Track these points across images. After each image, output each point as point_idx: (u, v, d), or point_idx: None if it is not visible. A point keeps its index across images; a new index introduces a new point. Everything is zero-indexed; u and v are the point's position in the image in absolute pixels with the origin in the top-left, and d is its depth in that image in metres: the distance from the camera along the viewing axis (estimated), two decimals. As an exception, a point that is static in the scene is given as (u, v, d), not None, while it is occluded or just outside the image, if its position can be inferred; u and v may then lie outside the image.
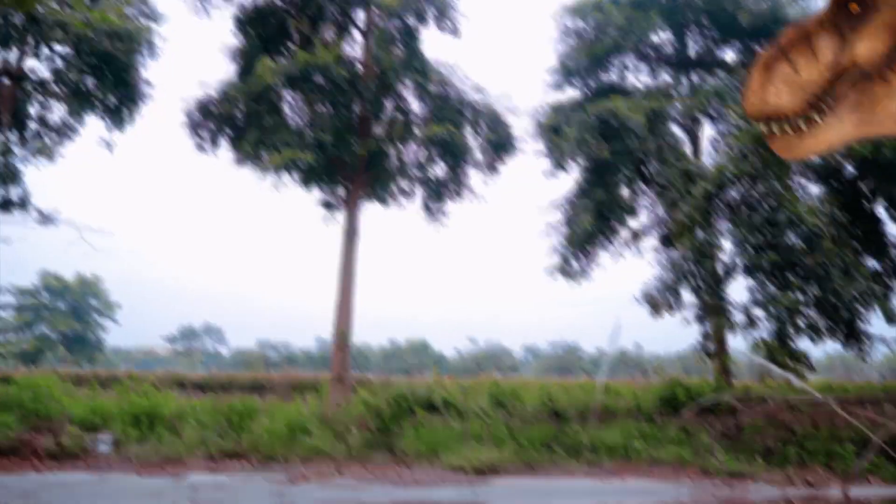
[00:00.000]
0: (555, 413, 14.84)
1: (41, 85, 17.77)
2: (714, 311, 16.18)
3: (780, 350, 14.82)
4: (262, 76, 16.57)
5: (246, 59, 18.10)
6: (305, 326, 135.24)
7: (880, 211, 17.02)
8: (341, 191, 19.34)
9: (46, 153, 18.56)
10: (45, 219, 18.74)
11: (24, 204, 18.56)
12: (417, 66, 17.95)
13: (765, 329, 15.37)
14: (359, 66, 18.29)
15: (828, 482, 10.07)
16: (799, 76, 4.11)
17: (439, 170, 22.44)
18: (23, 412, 12.27)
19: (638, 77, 21.10)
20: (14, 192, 18.46)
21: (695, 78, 20.79)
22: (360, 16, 19.06)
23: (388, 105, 18.75)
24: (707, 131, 20.29)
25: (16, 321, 57.08)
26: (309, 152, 16.60)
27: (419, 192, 22.31)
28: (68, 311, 59.75)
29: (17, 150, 18.24)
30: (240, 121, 17.86)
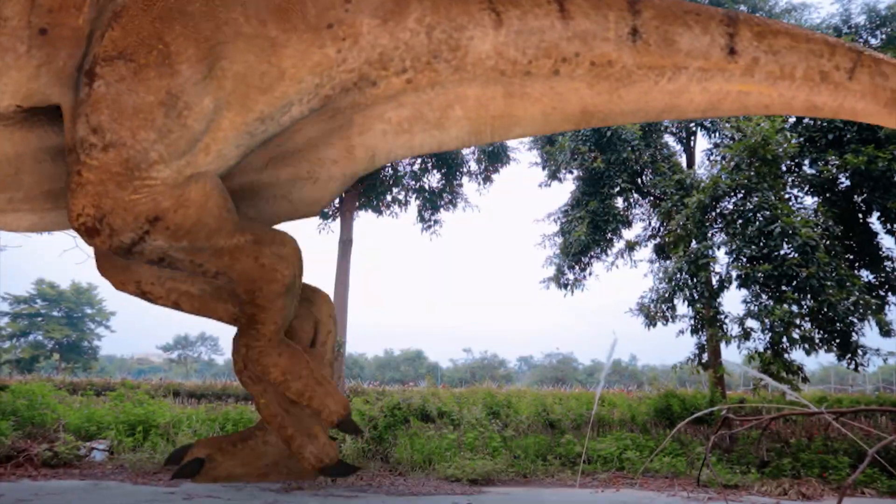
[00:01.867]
0: (549, 423, 14.88)
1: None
2: (709, 322, 16.26)
3: (774, 361, 14.88)
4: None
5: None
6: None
7: (874, 223, 17.11)
8: (335, 200, 19.38)
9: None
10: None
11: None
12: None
13: (759, 340, 15.45)
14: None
15: (822, 494, 10.09)
16: None
17: (433, 179, 22.53)
18: (17, 420, 12.27)
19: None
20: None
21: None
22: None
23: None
24: (701, 143, 20.42)
25: (10, 329, 56.98)
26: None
27: (413, 202, 22.39)
28: (63, 319, 59.67)
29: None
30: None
